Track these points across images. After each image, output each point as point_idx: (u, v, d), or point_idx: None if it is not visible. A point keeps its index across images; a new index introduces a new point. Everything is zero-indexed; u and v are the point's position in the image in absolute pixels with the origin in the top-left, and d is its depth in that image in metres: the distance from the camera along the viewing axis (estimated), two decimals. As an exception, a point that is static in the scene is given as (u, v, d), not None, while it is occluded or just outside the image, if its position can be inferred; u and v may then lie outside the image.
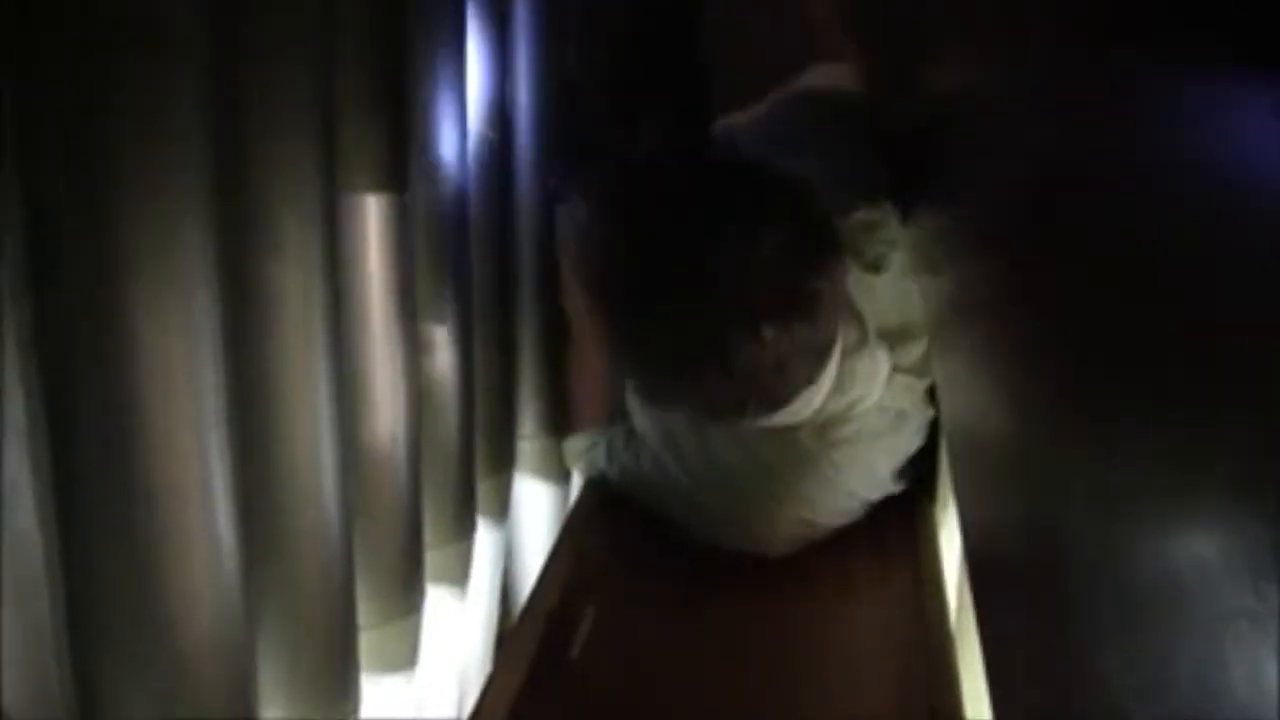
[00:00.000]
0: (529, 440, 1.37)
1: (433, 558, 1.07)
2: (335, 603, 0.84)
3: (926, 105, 1.20)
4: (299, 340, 0.74)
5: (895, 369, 1.25)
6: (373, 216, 0.86)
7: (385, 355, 0.92)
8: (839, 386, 1.17)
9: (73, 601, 0.63)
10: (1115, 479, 0.51)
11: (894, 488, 1.30)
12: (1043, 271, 0.68)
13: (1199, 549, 0.41)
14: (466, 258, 1.10)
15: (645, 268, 1.08)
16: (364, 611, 0.91)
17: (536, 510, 1.40)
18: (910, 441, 1.29)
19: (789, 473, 1.23)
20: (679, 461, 1.28)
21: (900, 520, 1.32)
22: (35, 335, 0.60)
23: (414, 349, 0.96)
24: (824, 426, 1.22)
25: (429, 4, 0.96)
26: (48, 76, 0.58)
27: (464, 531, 1.14)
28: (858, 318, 1.19)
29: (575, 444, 1.41)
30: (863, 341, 1.19)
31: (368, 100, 0.86)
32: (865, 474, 1.26)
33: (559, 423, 1.40)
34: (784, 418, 1.15)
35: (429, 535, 1.04)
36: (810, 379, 1.11)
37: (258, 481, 0.75)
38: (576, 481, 1.44)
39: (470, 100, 1.09)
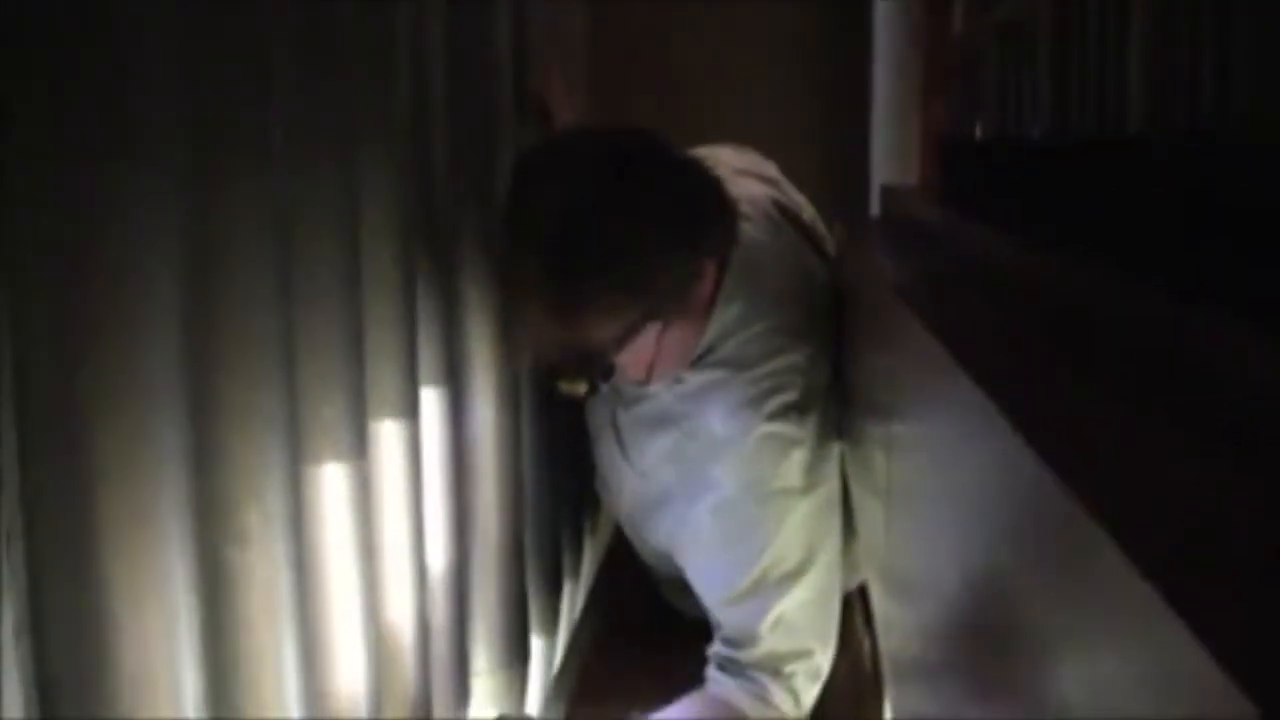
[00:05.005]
0: (484, 676, 1.39)
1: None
2: None
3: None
4: (266, 618, 0.78)
5: None
6: (335, 485, 0.90)
7: (346, 611, 0.95)
8: None
9: None
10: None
11: None
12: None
13: None
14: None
15: None
16: None
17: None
18: None
19: None
20: None
21: None
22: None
23: (374, 603, 0.99)
24: None
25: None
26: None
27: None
28: None
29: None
30: None
31: (327, 368, 0.92)
32: None
33: (514, 657, 1.42)
34: None
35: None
36: None
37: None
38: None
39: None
